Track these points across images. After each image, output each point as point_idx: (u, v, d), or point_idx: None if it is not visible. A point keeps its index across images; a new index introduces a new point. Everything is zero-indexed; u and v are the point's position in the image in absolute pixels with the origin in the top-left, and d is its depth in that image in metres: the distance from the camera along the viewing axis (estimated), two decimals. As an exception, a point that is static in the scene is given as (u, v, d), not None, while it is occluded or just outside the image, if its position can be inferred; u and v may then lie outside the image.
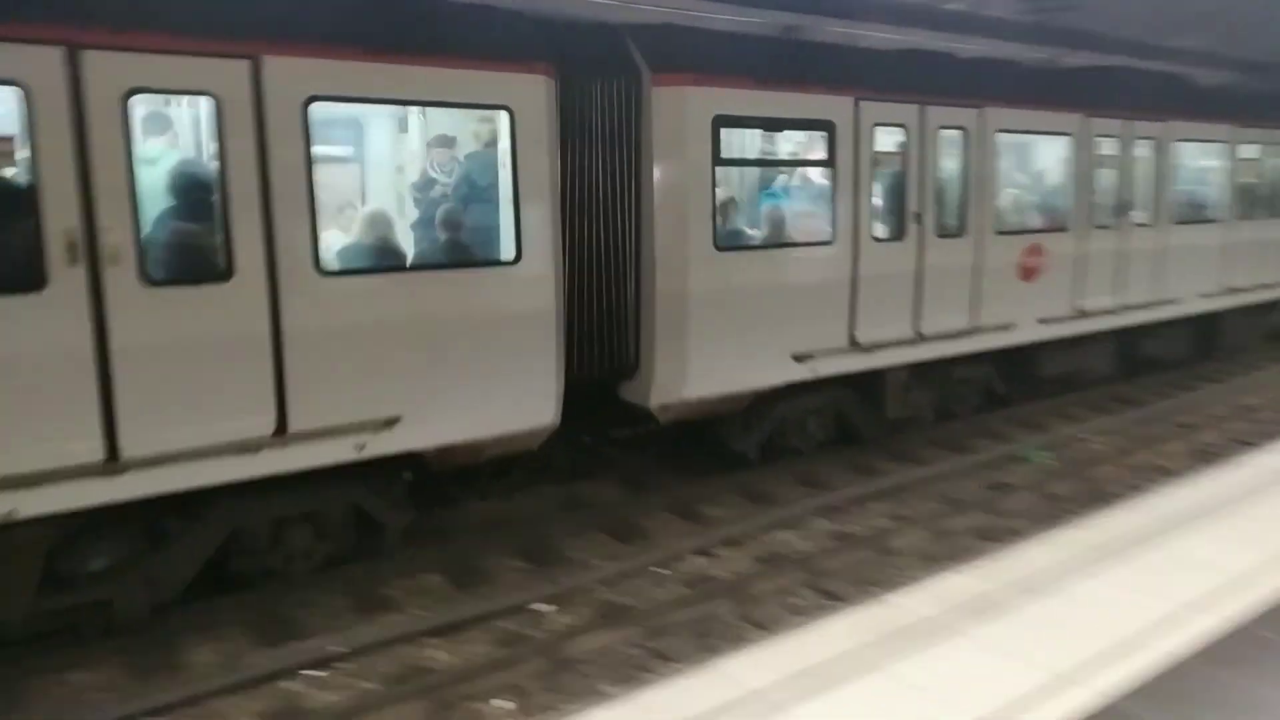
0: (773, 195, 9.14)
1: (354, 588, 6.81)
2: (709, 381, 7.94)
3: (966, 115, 9.46)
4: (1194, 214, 12.79)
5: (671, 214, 7.57)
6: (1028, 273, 10.22)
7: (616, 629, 6.41)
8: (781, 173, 9.39)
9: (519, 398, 6.94)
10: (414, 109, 7.52)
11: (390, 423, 6.32)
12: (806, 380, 8.65)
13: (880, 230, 8.98)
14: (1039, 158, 11.65)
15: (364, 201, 7.74)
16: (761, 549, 7.82)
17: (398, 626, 6.36)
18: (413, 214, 7.31)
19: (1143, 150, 11.60)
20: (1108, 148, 11.10)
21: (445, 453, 6.77)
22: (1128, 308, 11.62)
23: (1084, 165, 10.81)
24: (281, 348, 5.85)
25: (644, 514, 8.35)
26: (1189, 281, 12.45)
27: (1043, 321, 10.46)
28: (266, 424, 5.86)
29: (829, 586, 7.17)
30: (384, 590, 6.86)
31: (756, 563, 7.57)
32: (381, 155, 8.15)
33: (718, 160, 7.73)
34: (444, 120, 7.53)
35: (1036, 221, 10.78)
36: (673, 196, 7.56)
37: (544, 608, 6.72)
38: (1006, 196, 10.49)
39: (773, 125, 8.61)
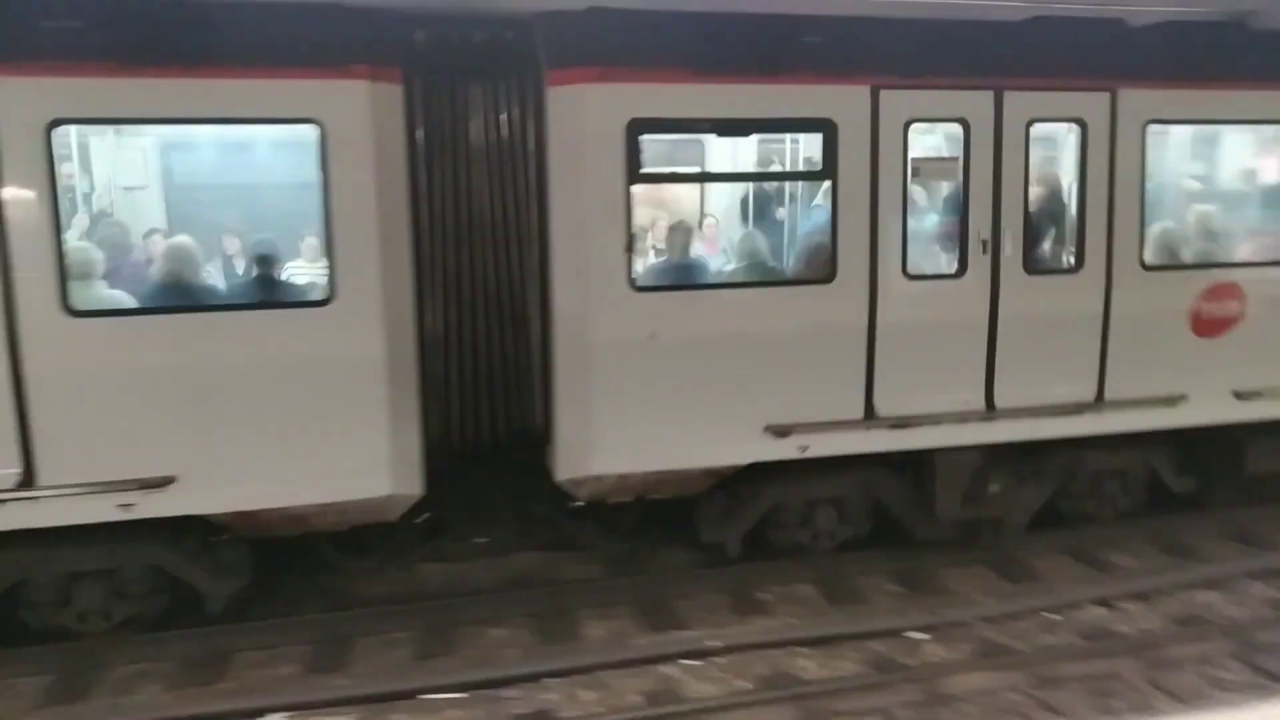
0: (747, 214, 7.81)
1: (730, 586, 7.08)
2: (628, 455, 6.34)
3: (1086, 102, 6.88)
4: None
5: (569, 245, 6.10)
6: (1209, 325, 7.34)
7: (999, 671, 5.99)
8: (766, 190, 7.90)
9: (339, 462, 5.84)
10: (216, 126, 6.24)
11: (164, 483, 5.61)
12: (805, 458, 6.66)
13: (921, 264, 6.79)
14: (1229, 158, 8.47)
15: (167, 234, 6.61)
16: (1178, 608, 6.86)
17: (771, 631, 6.49)
18: (218, 247, 6.60)
19: None
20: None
21: (248, 520, 5.98)
22: None
23: None
24: (23, 394, 5.35)
25: (1036, 554, 7.72)
26: None
27: (1240, 396, 7.45)
28: (12, 476, 5.42)
29: (1267, 664, 6.10)
30: (758, 593, 7.05)
31: (1171, 623, 6.66)
32: (182, 180, 7.07)
33: (635, 176, 6.09)
34: (248, 139, 6.55)
35: (1222, 252, 7.64)
36: (572, 223, 6.08)
37: (919, 636, 6.47)
38: (1168, 214, 7.71)
39: (729, 130, 6.73)
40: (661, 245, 7.05)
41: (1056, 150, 7.36)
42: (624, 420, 6.24)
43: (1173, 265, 7.39)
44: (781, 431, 6.51)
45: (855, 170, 6.38)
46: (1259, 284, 7.38)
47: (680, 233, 6.82)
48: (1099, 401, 7.12)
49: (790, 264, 7.16)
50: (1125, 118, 6.89)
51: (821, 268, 6.52)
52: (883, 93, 6.40)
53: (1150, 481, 7.96)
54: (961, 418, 6.84)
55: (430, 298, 6.17)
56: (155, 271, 6.05)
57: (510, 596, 6.89)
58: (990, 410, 6.91)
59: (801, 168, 7.73)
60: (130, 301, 5.78)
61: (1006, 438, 7.00)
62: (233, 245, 6.62)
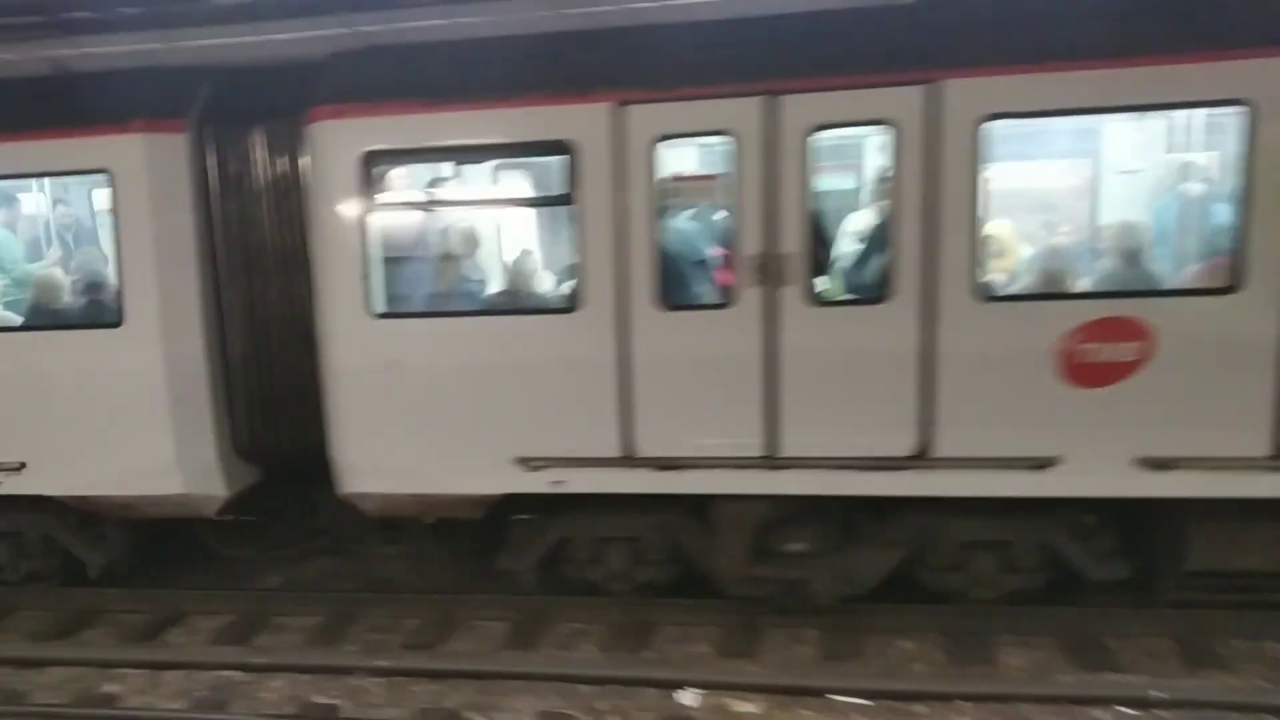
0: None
1: (1178, 632, 6.21)
2: (386, 478, 6.47)
3: (894, 99, 5.63)
4: None
5: (319, 272, 6.40)
6: (1091, 372, 5.66)
7: None
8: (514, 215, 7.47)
9: (138, 462, 6.71)
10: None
11: (20, 467, 6.85)
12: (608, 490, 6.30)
13: (676, 294, 6.07)
14: (1105, 155, 7.31)
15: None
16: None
17: (1231, 691, 5.59)
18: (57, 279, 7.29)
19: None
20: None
21: (88, 504, 7.01)
22: None
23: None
24: None
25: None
26: None
27: (1144, 464, 5.69)
28: None
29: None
30: (1214, 644, 6.09)
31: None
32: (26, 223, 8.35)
33: (372, 206, 6.20)
34: (58, 187, 8.11)
35: (1104, 279, 6.04)
36: (320, 251, 6.38)
37: None
38: (1022, 232, 6.76)
39: (466, 158, 6.89)
40: (424, 273, 6.94)
41: (857, 159, 6.72)
42: (374, 444, 6.45)
43: (1026, 294, 6.03)
44: (532, 465, 6.27)
45: (598, 194, 5.91)
46: (1172, 317, 5.60)
47: (425, 262, 6.87)
48: (923, 457, 5.86)
49: (535, 295, 6.77)
50: (951, 114, 5.59)
51: (565, 298, 6.35)
52: (628, 109, 5.82)
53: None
54: (740, 464, 6.10)
55: (231, 321, 6.83)
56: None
57: (921, 609, 6.64)
58: (774, 458, 6.02)
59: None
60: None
61: (797, 490, 6.14)
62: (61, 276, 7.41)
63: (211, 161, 6.70)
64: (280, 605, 7.27)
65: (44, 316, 6.97)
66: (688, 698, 5.76)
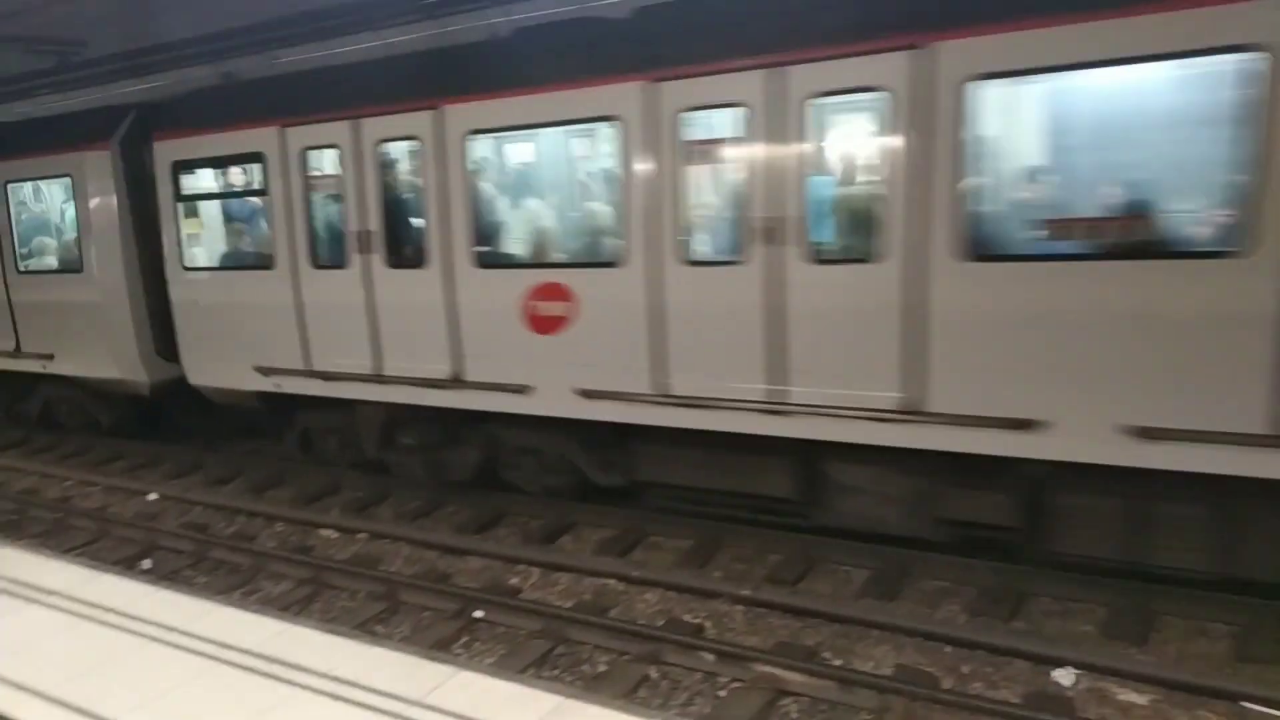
0: (240, 222, 9.74)
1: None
2: (201, 375, 9.79)
3: (418, 121, 7.47)
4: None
5: (164, 239, 9.66)
6: (543, 323, 7.12)
7: None
8: (250, 203, 9.58)
9: (105, 356, 10.37)
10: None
11: (50, 356, 10.99)
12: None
13: (321, 258, 8.49)
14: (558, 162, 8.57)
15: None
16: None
17: None
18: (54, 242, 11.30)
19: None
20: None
21: (77, 381, 11.03)
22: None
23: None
24: None
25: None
26: None
27: (584, 394, 6.97)
28: None
29: None
30: None
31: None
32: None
33: (179, 197, 9.41)
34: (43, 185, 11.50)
35: (547, 251, 7.63)
36: (162, 225, 9.65)
37: None
38: (507, 217, 8.01)
39: (219, 164, 9.37)
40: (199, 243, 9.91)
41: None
42: (193, 354, 9.73)
43: (503, 264, 7.65)
44: (265, 372, 9.04)
45: (278, 189, 8.58)
46: (584, 284, 7.13)
47: (212, 234, 9.86)
48: (458, 381, 7.77)
49: (257, 256, 9.26)
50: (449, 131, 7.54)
51: (267, 259, 8.86)
52: (286, 130, 8.40)
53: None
54: (364, 379, 8.37)
55: (138, 269, 10.15)
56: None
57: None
58: (381, 376, 8.27)
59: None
60: None
61: (396, 399, 8.36)
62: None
63: (121, 168, 10.06)
64: (655, 526, 7.82)
65: (54, 264, 11.04)
66: (1066, 677, 5.34)
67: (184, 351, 9.73)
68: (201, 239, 9.78)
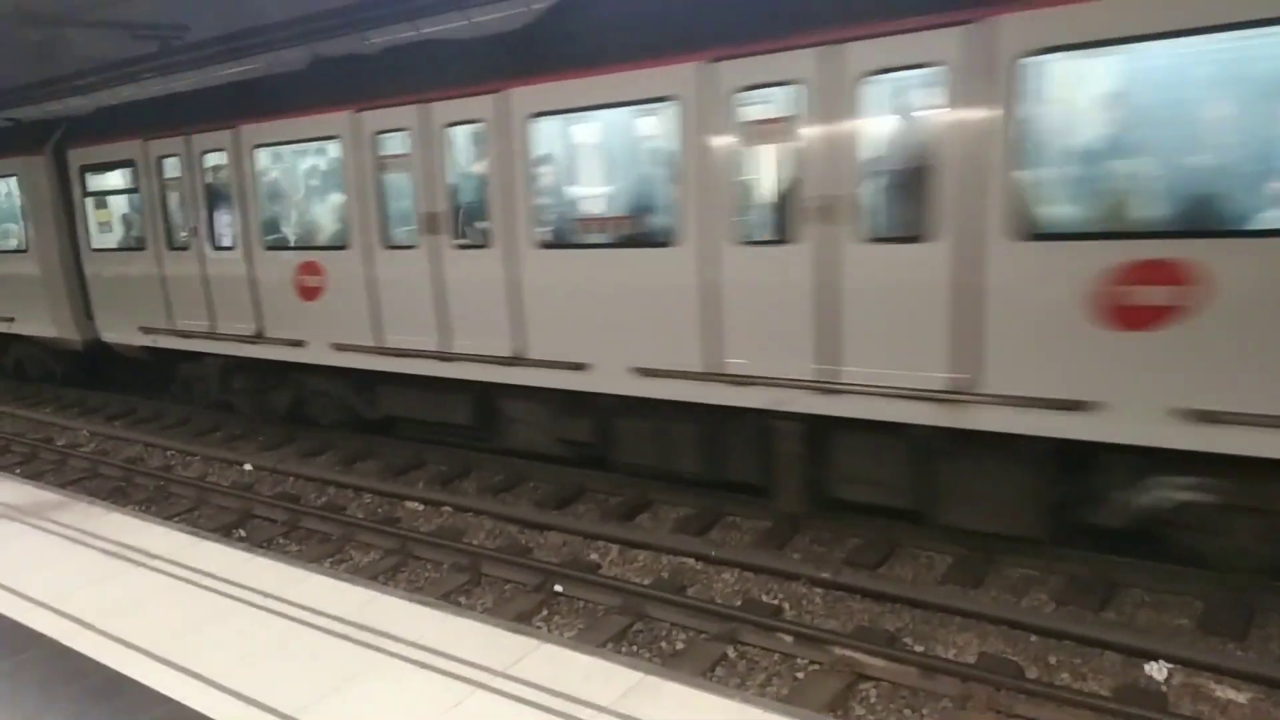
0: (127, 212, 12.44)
1: None
2: (109, 333, 12.48)
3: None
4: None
5: (78, 226, 12.46)
6: (305, 292, 9.64)
7: None
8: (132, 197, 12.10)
9: (47, 319, 13.17)
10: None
11: (11, 319, 13.98)
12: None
13: (178, 241, 11.03)
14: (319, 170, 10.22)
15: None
16: None
17: None
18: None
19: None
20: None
21: (35, 341, 14.10)
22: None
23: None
24: None
25: None
26: None
27: (337, 347, 9.45)
28: None
29: None
30: None
31: None
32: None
33: (85, 194, 12.27)
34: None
35: (312, 238, 9.98)
36: (76, 216, 12.48)
37: None
38: (275, 211, 10.32)
39: (108, 167, 11.97)
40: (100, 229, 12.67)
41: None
42: (103, 315, 12.45)
43: (281, 246, 10.11)
44: (145, 330, 11.66)
45: (148, 190, 11.22)
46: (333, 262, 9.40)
47: (116, 223, 12.58)
48: (260, 337, 10.28)
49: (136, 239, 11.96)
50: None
51: (143, 241, 11.59)
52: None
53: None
54: (204, 336, 10.98)
55: (68, 248, 12.68)
56: None
57: None
58: (216, 331, 10.83)
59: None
60: None
61: (225, 352, 10.93)
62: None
63: (53, 169, 12.61)
64: (733, 506, 7.80)
65: (13, 245, 13.78)
66: (1159, 671, 5.17)
67: (96, 315, 12.55)
68: (104, 225, 12.72)
